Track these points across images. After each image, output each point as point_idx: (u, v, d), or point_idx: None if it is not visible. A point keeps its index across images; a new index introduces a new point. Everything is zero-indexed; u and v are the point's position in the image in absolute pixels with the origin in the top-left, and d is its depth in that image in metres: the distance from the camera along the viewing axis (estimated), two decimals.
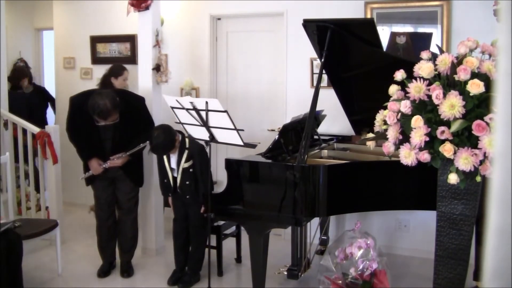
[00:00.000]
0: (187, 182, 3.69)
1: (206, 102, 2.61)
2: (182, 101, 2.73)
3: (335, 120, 4.35)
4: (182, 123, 2.86)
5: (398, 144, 2.35)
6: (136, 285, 3.88)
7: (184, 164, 3.65)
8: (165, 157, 3.70)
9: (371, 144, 2.71)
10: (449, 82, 2.25)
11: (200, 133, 2.83)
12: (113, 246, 4.09)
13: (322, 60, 3.35)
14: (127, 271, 4.02)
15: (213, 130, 2.77)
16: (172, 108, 2.83)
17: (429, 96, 2.23)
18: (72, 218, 5.39)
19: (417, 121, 2.22)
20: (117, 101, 3.57)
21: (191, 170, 3.68)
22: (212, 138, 2.78)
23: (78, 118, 3.73)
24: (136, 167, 4.01)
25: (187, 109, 2.69)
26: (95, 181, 3.93)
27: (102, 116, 3.53)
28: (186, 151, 3.60)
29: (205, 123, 2.70)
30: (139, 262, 4.29)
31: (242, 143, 2.65)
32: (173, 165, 3.71)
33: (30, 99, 5.84)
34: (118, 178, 3.93)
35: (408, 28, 4.34)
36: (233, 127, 2.63)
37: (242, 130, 2.62)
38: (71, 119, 3.82)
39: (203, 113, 2.69)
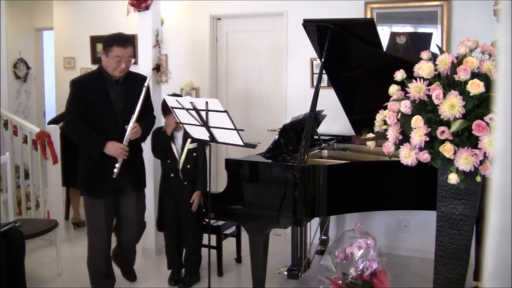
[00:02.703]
0: (188, 166, 3.69)
1: (206, 102, 2.61)
2: (182, 101, 2.73)
3: (335, 120, 4.34)
4: (182, 123, 2.86)
5: (398, 144, 2.35)
6: (136, 285, 3.88)
7: (189, 145, 3.68)
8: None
9: (371, 144, 2.71)
10: (449, 82, 2.25)
11: (200, 133, 2.83)
12: (110, 271, 3.64)
13: (322, 60, 3.35)
14: (130, 273, 3.93)
15: (213, 130, 2.77)
16: (172, 108, 2.83)
17: (429, 96, 2.23)
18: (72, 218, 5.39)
19: (417, 121, 2.22)
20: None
21: (194, 154, 3.71)
22: (212, 138, 2.78)
23: (87, 96, 3.29)
24: (137, 169, 3.55)
25: (187, 109, 2.69)
26: (94, 203, 3.40)
27: (123, 41, 3.28)
28: None
29: (205, 123, 2.70)
30: (139, 262, 4.28)
31: (242, 143, 2.65)
32: (178, 147, 3.71)
33: None
34: (122, 190, 3.46)
35: (408, 28, 4.34)
36: (233, 127, 2.63)
37: (242, 130, 2.62)
38: (75, 104, 3.31)
39: (203, 113, 2.68)
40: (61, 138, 4.74)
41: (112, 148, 3.22)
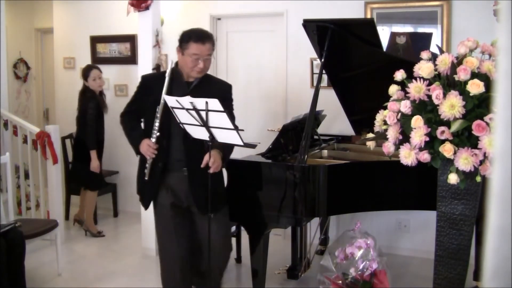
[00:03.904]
0: None
1: (206, 102, 2.60)
2: (182, 101, 2.72)
3: (335, 120, 4.34)
4: (182, 123, 2.85)
5: (398, 144, 2.35)
6: (136, 285, 3.88)
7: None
8: None
9: (371, 144, 2.71)
10: (449, 82, 2.25)
11: (201, 133, 2.82)
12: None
13: (322, 60, 3.35)
14: None
15: (213, 130, 2.76)
16: (172, 108, 2.81)
17: (429, 96, 2.23)
18: (72, 218, 5.39)
19: (417, 121, 2.22)
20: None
21: None
22: (212, 138, 2.77)
23: (149, 94, 2.95)
24: (205, 189, 2.78)
25: (187, 109, 2.68)
26: (158, 212, 3.00)
27: (201, 36, 2.87)
28: None
29: (205, 123, 2.68)
30: (139, 262, 4.29)
31: (242, 143, 2.64)
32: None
33: None
34: (194, 211, 2.97)
35: (408, 28, 4.34)
36: (232, 127, 2.62)
37: (242, 130, 2.61)
38: (134, 98, 3.08)
39: (203, 113, 2.67)
40: (74, 144, 4.89)
41: (143, 146, 2.86)
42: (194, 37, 2.86)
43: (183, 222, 2.99)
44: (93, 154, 4.73)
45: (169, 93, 2.86)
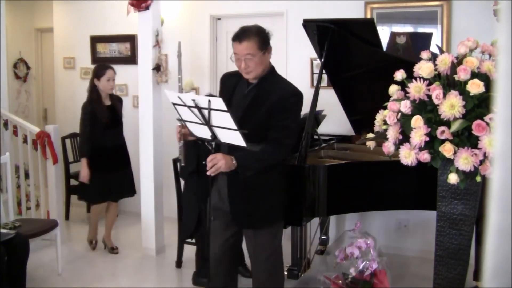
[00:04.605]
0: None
1: (209, 101, 2.57)
2: (184, 98, 2.70)
3: (335, 120, 4.34)
4: (184, 120, 2.83)
5: (398, 144, 2.35)
6: (135, 285, 3.88)
7: None
8: None
9: (371, 144, 2.71)
10: (449, 82, 2.25)
11: (202, 132, 2.80)
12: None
13: (322, 60, 3.35)
14: None
15: (215, 129, 2.73)
16: (174, 104, 2.79)
17: (429, 96, 2.23)
18: (73, 218, 5.39)
19: (417, 121, 2.22)
20: (267, 35, 2.70)
21: None
22: (215, 137, 2.75)
23: (221, 89, 2.97)
24: (246, 204, 2.73)
25: (189, 107, 2.66)
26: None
27: (238, 34, 2.65)
28: None
29: (207, 122, 2.66)
30: (139, 262, 4.29)
31: (245, 145, 2.59)
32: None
33: None
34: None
35: (408, 28, 4.34)
36: (236, 128, 2.58)
37: (246, 131, 2.55)
38: (220, 93, 2.98)
39: (205, 112, 2.65)
40: (89, 157, 4.26)
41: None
42: (234, 35, 2.67)
43: (221, 226, 2.83)
44: (83, 161, 4.21)
45: (231, 88, 2.80)
